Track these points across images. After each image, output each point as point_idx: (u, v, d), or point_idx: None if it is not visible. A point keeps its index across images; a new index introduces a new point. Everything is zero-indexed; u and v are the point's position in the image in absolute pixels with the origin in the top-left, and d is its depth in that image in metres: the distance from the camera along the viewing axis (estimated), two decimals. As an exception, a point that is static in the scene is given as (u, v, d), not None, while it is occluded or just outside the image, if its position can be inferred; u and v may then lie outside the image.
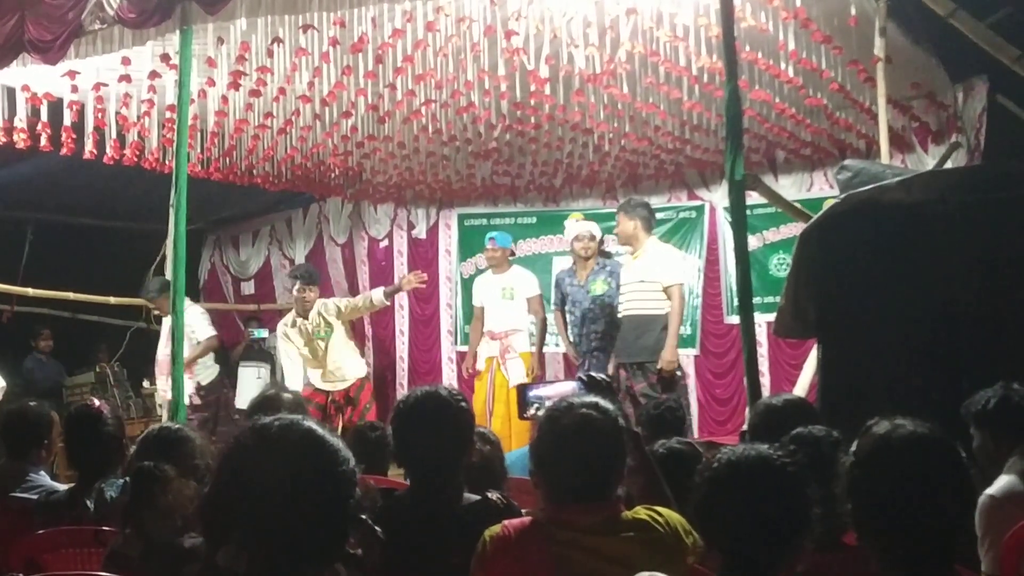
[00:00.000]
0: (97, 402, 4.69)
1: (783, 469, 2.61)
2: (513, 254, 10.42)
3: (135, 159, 9.10)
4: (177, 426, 4.17)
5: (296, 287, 9.57)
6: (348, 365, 9.52)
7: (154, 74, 7.68)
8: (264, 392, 5.41)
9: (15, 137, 8.17)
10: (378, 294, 9.86)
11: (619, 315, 8.68)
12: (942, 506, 2.47)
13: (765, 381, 9.98)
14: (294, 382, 9.37)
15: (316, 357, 9.42)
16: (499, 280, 9.83)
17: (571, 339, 9.42)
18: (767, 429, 3.85)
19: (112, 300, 10.40)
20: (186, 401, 9.21)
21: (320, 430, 2.18)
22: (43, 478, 4.77)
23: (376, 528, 2.47)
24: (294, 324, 9.51)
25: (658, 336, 8.33)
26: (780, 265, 10.75)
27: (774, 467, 2.61)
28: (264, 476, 2.08)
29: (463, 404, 3.58)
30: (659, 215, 11.66)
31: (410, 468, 3.56)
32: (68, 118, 8.32)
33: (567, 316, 9.47)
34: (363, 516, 2.23)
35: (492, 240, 10.05)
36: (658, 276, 8.45)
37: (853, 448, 2.64)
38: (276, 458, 2.10)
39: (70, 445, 4.63)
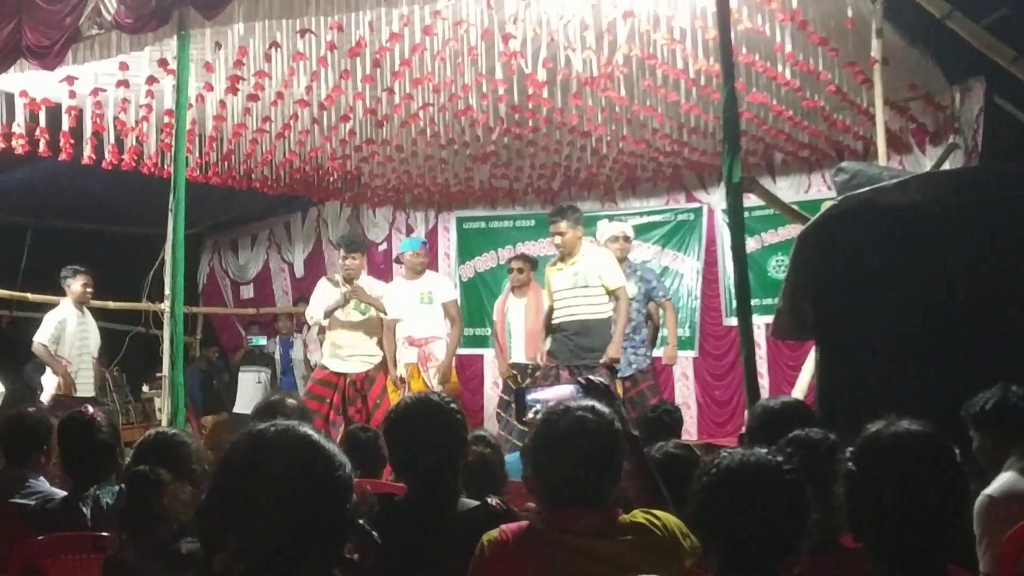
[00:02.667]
0: (90, 408, 4.69)
1: (780, 473, 2.60)
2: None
3: (133, 164, 9.12)
4: (173, 431, 4.16)
5: (340, 255, 9.44)
6: (369, 346, 9.38)
7: (152, 79, 7.70)
8: (268, 397, 5.40)
9: (13, 143, 8.20)
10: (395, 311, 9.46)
11: (555, 320, 8.51)
12: (934, 502, 2.50)
13: (764, 383, 9.98)
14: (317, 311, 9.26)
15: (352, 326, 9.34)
16: (416, 285, 9.42)
17: None
18: (764, 432, 3.85)
19: (111, 305, 10.40)
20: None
21: (316, 435, 2.17)
22: (42, 484, 4.75)
23: (373, 533, 2.47)
24: (337, 284, 9.31)
25: (606, 338, 8.28)
26: (779, 267, 10.75)
27: (771, 471, 2.60)
28: (259, 481, 2.07)
29: (454, 407, 3.58)
30: (657, 217, 11.78)
31: (406, 474, 3.56)
32: (66, 123, 8.33)
33: None
34: (360, 521, 2.22)
35: (424, 246, 9.88)
36: (604, 280, 8.36)
37: (849, 448, 2.67)
38: (271, 463, 2.09)
39: (65, 451, 4.63)
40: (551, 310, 8.65)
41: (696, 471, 2.73)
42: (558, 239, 8.43)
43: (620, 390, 8.83)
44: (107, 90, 8.15)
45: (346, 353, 9.16)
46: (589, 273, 8.35)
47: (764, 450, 2.69)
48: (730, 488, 2.60)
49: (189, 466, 3.81)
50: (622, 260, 9.12)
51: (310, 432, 2.17)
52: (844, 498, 2.63)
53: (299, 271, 14.11)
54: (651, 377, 9.32)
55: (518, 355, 9.81)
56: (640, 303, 9.24)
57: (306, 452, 2.13)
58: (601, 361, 8.10)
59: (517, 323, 9.87)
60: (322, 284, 9.49)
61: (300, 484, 2.08)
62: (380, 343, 9.36)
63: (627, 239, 9.32)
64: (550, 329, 8.65)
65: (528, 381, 9.30)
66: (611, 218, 11.80)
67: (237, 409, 11.82)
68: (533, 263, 10.26)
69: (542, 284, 9.18)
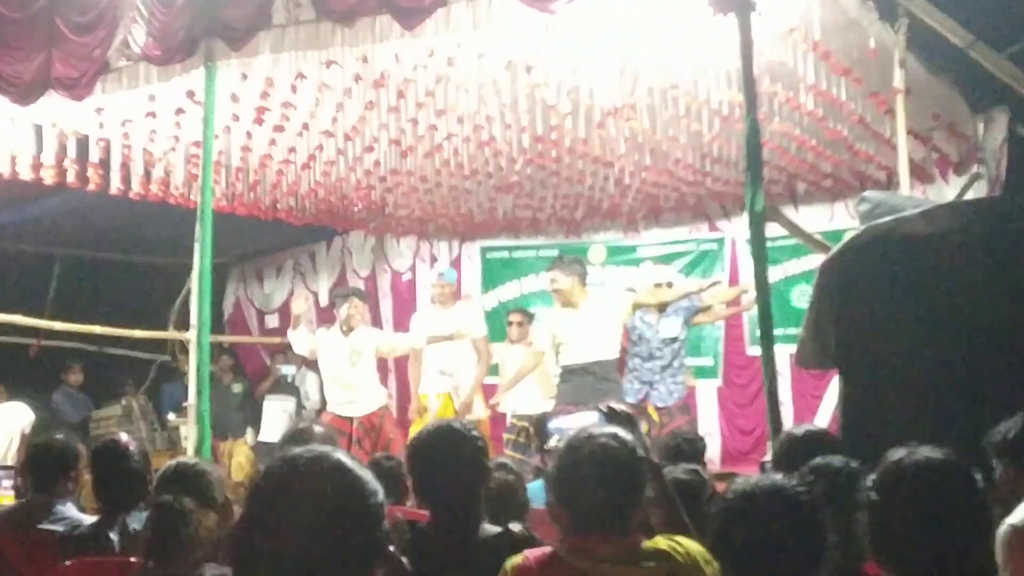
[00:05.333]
0: (124, 436, 4.72)
1: (797, 498, 2.62)
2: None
3: (161, 194, 9.20)
4: (194, 460, 4.19)
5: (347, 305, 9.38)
6: (371, 391, 9.48)
7: (179, 110, 7.78)
8: (296, 424, 5.43)
9: (43, 173, 8.28)
10: (420, 341, 9.60)
11: (564, 363, 8.66)
12: (956, 529, 2.50)
13: (787, 412, 9.94)
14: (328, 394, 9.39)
15: (344, 378, 9.35)
16: (447, 317, 9.67)
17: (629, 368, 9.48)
18: (788, 460, 3.86)
19: (137, 333, 10.47)
20: None
21: (349, 462, 2.16)
22: (70, 510, 4.79)
23: (403, 560, 2.47)
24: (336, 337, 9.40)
25: (616, 378, 8.58)
26: (802, 296, 10.71)
27: (788, 496, 2.63)
28: (291, 506, 2.07)
29: (475, 434, 3.60)
30: (679, 247, 11.78)
31: (428, 501, 3.59)
32: (95, 154, 8.42)
33: (631, 348, 9.52)
34: (391, 548, 2.23)
35: (440, 276, 10.04)
36: (611, 323, 8.59)
37: (871, 476, 2.67)
38: (304, 489, 2.09)
39: (96, 478, 4.66)
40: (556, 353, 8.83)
41: (715, 498, 2.74)
42: (553, 290, 8.75)
43: (657, 418, 8.95)
44: (135, 121, 8.24)
45: (350, 396, 9.22)
46: (594, 319, 8.50)
47: (780, 475, 2.71)
48: (746, 512, 2.62)
49: (211, 494, 3.83)
50: (666, 306, 9.37)
51: (343, 458, 2.17)
52: (867, 526, 2.65)
53: (324, 300, 14.11)
54: (687, 411, 9.40)
55: (515, 406, 9.89)
56: (679, 340, 9.42)
57: (339, 478, 2.12)
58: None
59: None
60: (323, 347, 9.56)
61: (332, 510, 2.08)
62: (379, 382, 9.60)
63: (671, 285, 9.44)
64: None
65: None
66: (632, 248, 11.91)
67: (262, 438, 11.83)
68: (530, 317, 10.54)
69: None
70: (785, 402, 9.93)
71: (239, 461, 11.63)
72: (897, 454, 2.69)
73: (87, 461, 4.89)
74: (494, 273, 13.07)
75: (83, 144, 8.47)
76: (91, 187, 8.51)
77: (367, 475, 2.17)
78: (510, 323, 10.45)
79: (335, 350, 9.30)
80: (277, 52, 6.94)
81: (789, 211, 10.35)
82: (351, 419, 9.12)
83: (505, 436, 9.91)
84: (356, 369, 9.22)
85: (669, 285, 9.50)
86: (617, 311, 8.67)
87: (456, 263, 13.23)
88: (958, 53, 6.88)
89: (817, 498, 2.64)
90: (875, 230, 5.41)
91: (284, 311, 14.44)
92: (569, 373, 8.57)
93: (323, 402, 11.69)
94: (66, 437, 5.16)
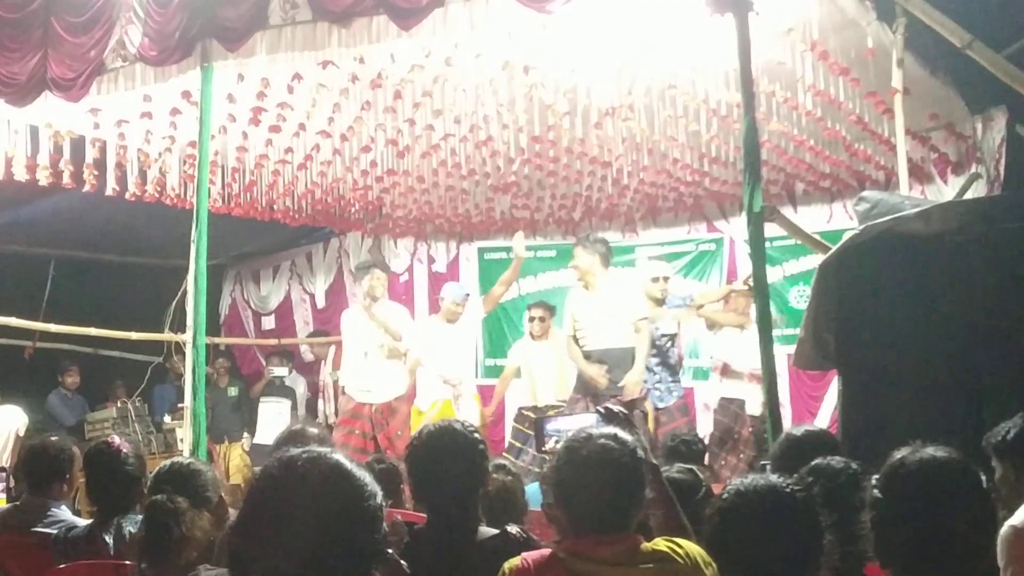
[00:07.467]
0: (118, 439, 4.68)
1: (791, 497, 2.62)
2: None
3: (156, 195, 9.17)
4: (188, 460, 4.15)
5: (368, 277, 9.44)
6: (393, 377, 9.47)
7: (175, 111, 7.76)
8: (291, 426, 5.41)
9: (38, 174, 8.25)
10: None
11: (584, 348, 8.54)
12: (961, 528, 2.49)
13: (786, 413, 9.92)
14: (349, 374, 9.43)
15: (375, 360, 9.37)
16: (452, 328, 9.67)
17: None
18: (788, 460, 3.84)
19: (133, 336, 10.42)
20: None
21: (348, 464, 2.16)
22: (64, 513, 4.78)
23: (402, 562, 2.46)
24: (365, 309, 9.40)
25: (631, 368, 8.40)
26: (800, 297, 10.70)
27: (782, 496, 2.62)
28: (289, 508, 2.06)
29: (477, 436, 3.58)
30: (678, 247, 11.73)
31: (427, 502, 3.57)
32: (91, 155, 8.40)
33: None
34: (389, 551, 2.21)
35: (466, 296, 10.02)
36: (627, 311, 8.45)
37: (875, 475, 2.66)
38: (302, 490, 2.08)
39: (90, 481, 4.64)
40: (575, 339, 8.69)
41: (711, 498, 2.73)
42: (572, 267, 8.70)
43: (652, 421, 8.89)
44: (131, 122, 8.22)
45: (371, 382, 9.22)
46: (613, 302, 8.39)
47: (775, 475, 2.70)
48: (741, 512, 2.62)
49: (205, 494, 3.80)
50: (663, 301, 9.26)
51: (342, 460, 2.16)
52: (870, 526, 2.63)
53: (320, 302, 14.14)
54: (686, 412, 9.34)
55: (546, 398, 9.84)
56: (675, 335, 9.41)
57: (338, 479, 2.12)
58: (620, 384, 8.13)
59: (542, 369, 9.92)
60: (354, 323, 9.60)
61: (331, 511, 2.07)
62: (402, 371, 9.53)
63: (667, 279, 9.40)
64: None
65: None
66: (631, 248, 11.87)
67: (258, 439, 11.83)
68: (552, 310, 10.30)
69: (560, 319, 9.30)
70: (784, 403, 9.90)
71: (235, 464, 11.59)
72: (901, 452, 2.68)
73: (81, 463, 4.87)
74: (491, 274, 12.99)
75: (78, 145, 8.45)
76: (86, 188, 8.48)
77: (366, 476, 2.16)
78: (532, 318, 10.30)
79: (365, 330, 9.36)
80: (273, 53, 6.91)
81: (787, 211, 10.32)
82: (371, 405, 9.16)
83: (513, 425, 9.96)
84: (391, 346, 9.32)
85: (666, 279, 9.42)
86: (635, 297, 8.62)
87: (453, 264, 13.23)
88: (956, 53, 6.85)
89: (812, 498, 2.65)
90: (874, 230, 5.40)
91: (280, 312, 14.44)
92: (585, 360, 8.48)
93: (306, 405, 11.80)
94: (60, 439, 5.14)
